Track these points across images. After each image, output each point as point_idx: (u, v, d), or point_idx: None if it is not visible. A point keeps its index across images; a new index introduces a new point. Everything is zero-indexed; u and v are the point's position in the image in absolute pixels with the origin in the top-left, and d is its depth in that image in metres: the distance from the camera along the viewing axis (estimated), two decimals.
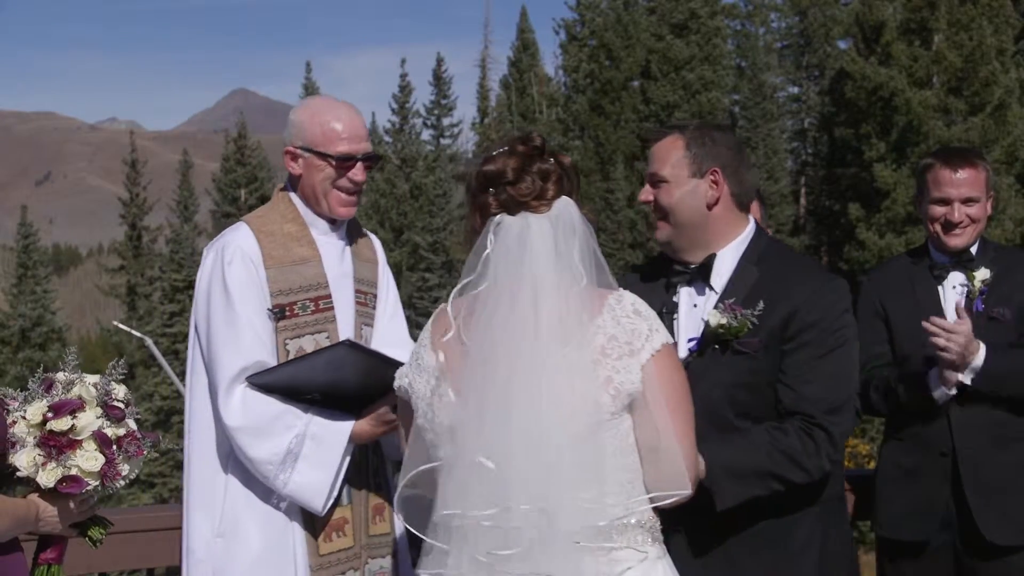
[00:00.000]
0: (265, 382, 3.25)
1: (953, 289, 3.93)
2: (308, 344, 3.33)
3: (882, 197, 32.56)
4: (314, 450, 3.24)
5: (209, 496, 3.32)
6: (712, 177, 3.15)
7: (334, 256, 3.45)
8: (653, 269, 3.34)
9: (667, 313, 3.17)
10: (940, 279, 3.94)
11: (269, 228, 3.39)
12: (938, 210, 3.92)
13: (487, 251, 2.46)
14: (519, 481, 2.31)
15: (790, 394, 3.04)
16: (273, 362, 3.29)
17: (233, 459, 3.30)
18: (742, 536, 3.05)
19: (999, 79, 31.70)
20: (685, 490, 2.49)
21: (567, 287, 2.41)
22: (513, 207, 2.49)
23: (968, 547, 3.82)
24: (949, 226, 3.90)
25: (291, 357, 3.31)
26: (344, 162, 3.37)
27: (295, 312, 3.34)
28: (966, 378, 3.73)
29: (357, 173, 3.40)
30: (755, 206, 3.92)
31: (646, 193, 3.22)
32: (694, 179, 3.15)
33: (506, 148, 2.55)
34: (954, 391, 3.76)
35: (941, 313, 3.88)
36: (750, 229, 3.23)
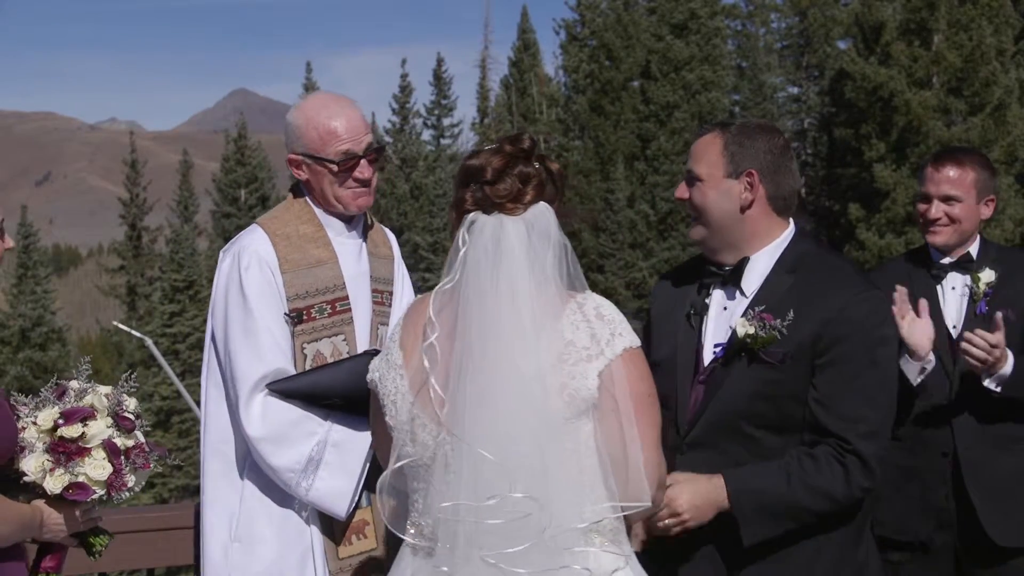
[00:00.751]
0: (286, 389, 3.23)
1: (953, 290, 3.92)
2: (325, 347, 3.31)
3: (882, 197, 32.56)
4: (336, 457, 3.23)
5: (225, 501, 3.31)
6: (747, 179, 3.04)
7: (351, 256, 3.42)
8: (690, 269, 3.27)
9: (695, 314, 3.12)
10: (938, 279, 3.94)
11: (285, 230, 3.36)
12: (921, 206, 3.94)
13: (463, 250, 2.44)
14: (507, 473, 2.30)
15: (823, 414, 2.93)
16: (292, 368, 3.27)
17: (249, 465, 3.29)
18: (763, 562, 2.96)
19: (999, 79, 31.71)
20: (645, 503, 2.45)
21: (539, 291, 2.39)
22: (488, 207, 2.46)
23: (968, 548, 3.82)
24: (927, 222, 3.90)
25: (308, 361, 3.29)
26: (347, 162, 3.32)
27: (312, 316, 3.31)
28: (991, 384, 3.71)
29: (363, 171, 3.35)
30: None
31: (682, 190, 3.13)
32: (729, 180, 3.05)
33: (495, 146, 2.53)
34: (929, 368, 3.67)
35: (939, 311, 3.89)
36: (788, 233, 3.11)
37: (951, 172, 3.88)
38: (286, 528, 3.28)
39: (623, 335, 2.44)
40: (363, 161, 3.34)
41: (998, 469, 3.82)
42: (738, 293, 3.09)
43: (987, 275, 3.85)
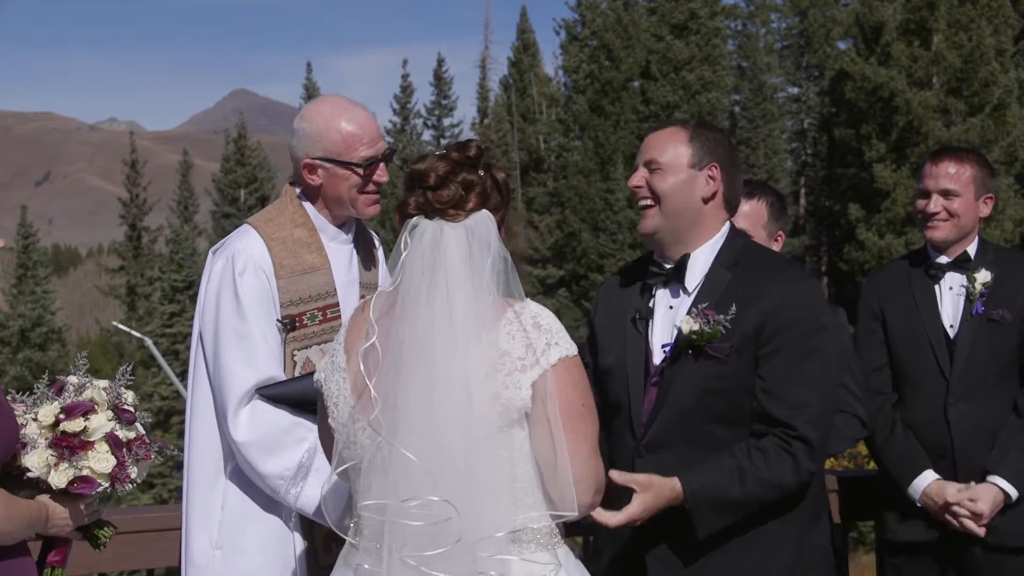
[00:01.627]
0: (275, 394, 3.19)
1: (950, 290, 3.93)
2: (315, 355, 3.27)
3: (882, 198, 32.60)
4: (326, 463, 3.17)
5: (207, 507, 3.27)
6: (710, 172, 3.11)
7: (342, 262, 3.39)
8: (631, 273, 3.31)
9: (640, 318, 3.15)
10: (936, 279, 3.95)
11: (279, 234, 3.31)
12: (920, 202, 3.97)
13: (404, 255, 2.45)
14: (432, 477, 2.33)
15: (769, 403, 3.00)
16: (283, 376, 3.23)
17: (232, 470, 3.26)
18: (727, 551, 3.02)
19: (998, 79, 31.74)
20: (572, 512, 2.47)
21: (476, 299, 2.40)
22: (430, 212, 2.47)
23: (968, 548, 3.82)
24: (926, 217, 3.92)
25: (298, 368, 3.26)
26: (372, 166, 3.30)
27: (304, 323, 3.28)
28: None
29: (382, 175, 3.34)
30: (762, 208, 3.89)
31: (638, 178, 3.14)
32: (693, 170, 3.11)
33: (443, 151, 2.55)
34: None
35: (937, 311, 3.91)
36: (725, 231, 3.18)
37: (950, 168, 3.90)
38: (268, 536, 3.24)
39: (559, 344, 2.45)
40: (381, 165, 3.34)
41: None
42: (681, 291, 3.14)
43: (983, 275, 3.86)
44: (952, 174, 3.89)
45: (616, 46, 38.47)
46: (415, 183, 2.51)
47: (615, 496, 2.96)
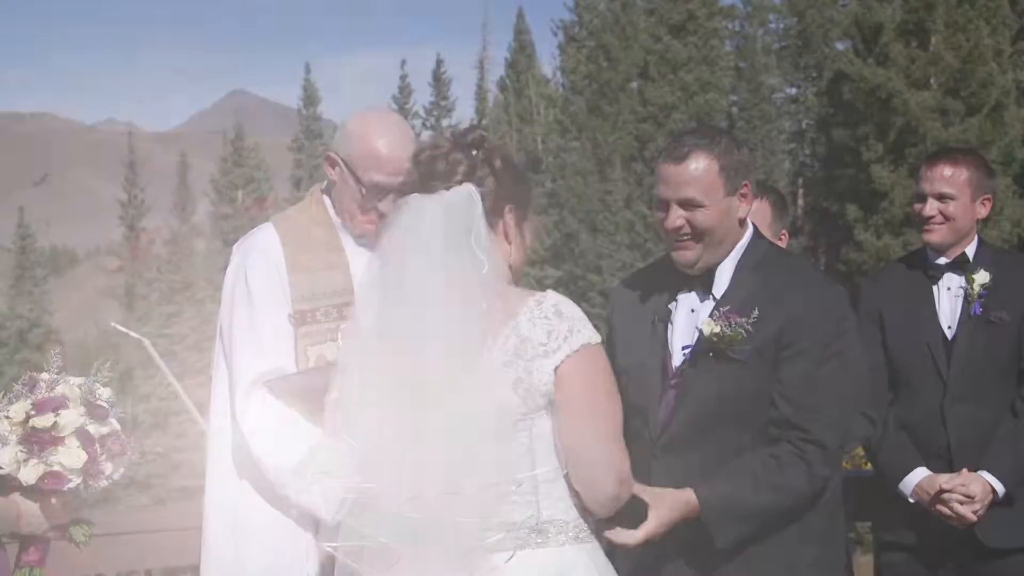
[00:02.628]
0: (285, 387, 3.20)
1: (948, 291, 3.94)
2: (329, 351, 3.26)
3: (880, 198, 32.60)
4: (329, 459, 3.18)
5: (224, 497, 3.30)
6: (743, 192, 3.09)
7: (362, 262, 3.32)
8: (652, 273, 3.29)
9: (660, 321, 3.14)
10: (934, 280, 3.95)
11: (296, 231, 3.35)
12: (917, 205, 3.98)
13: (391, 230, 2.48)
14: (427, 467, 2.33)
15: (786, 406, 2.99)
16: (293, 368, 3.25)
17: (249, 462, 3.27)
18: (747, 556, 3.00)
19: (996, 80, 31.76)
20: (595, 488, 2.48)
21: (464, 275, 2.38)
22: (418, 187, 2.50)
23: (965, 549, 3.83)
24: (923, 220, 3.93)
25: (311, 363, 3.27)
26: (374, 191, 3.27)
27: (317, 318, 3.29)
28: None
29: (386, 205, 3.22)
30: (766, 208, 3.90)
31: (677, 218, 3.04)
32: (729, 198, 3.06)
33: (449, 135, 2.58)
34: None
35: (935, 313, 3.92)
36: (748, 234, 3.17)
37: (945, 171, 3.91)
38: (283, 527, 3.25)
39: (581, 331, 2.45)
40: (390, 196, 3.22)
41: None
42: (707, 295, 3.12)
43: (982, 276, 3.87)
44: (947, 177, 3.89)
45: (614, 47, 38.48)
46: (413, 160, 2.54)
47: (628, 511, 2.96)
